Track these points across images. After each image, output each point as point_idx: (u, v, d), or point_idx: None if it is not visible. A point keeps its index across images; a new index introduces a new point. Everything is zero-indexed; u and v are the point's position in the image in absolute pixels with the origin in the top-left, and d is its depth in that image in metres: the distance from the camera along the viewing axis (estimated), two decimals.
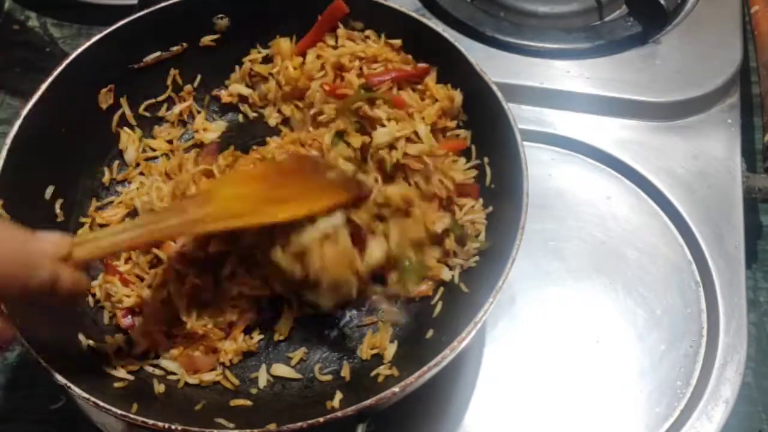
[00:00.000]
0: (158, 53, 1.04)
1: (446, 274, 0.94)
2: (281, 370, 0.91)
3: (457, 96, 0.98)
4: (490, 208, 0.95)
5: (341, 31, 1.04)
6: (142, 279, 0.94)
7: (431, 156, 0.94)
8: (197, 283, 0.91)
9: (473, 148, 1.00)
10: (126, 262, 0.95)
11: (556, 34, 1.20)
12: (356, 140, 0.95)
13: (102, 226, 0.98)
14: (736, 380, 0.94)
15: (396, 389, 0.76)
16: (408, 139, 0.95)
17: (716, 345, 0.96)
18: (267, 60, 1.09)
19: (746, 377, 0.97)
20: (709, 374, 0.95)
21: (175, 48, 1.05)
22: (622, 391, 0.96)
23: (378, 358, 0.92)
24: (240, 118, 1.11)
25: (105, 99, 1.01)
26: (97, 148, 1.02)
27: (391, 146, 0.94)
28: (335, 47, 1.05)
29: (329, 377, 0.91)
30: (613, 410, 0.95)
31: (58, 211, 0.95)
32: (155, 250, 0.94)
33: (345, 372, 0.91)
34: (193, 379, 0.89)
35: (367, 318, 0.95)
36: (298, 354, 0.93)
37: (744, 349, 0.96)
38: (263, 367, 0.92)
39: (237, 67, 1.10)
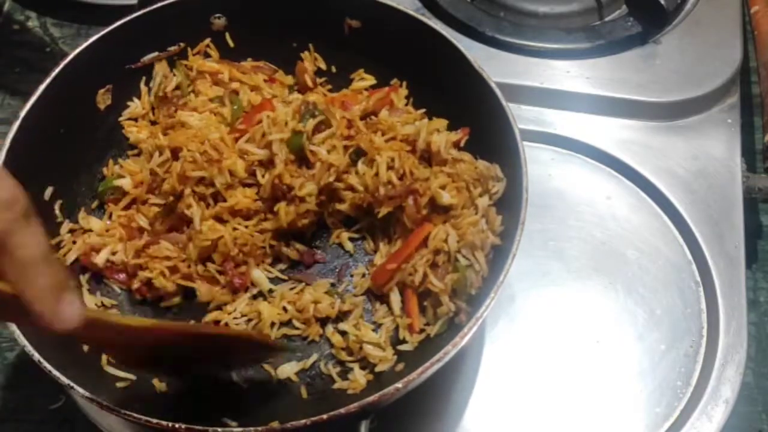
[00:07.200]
0: (156, 53, 1.04)
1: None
2: (286, 370, 0.91)
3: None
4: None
5: None
6: None
7: None
8: None
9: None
10: None
11: (556, 34, 1.20)
12: None
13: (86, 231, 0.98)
14: (736, 380, 0.94)
15: (399, 385, 0.76)
16: None
17: (716, 345, 0.96)
18: None
19: (746, 377, 0.97)
20: (709, 374, 0.95)
21: (172, 48, 1.05)
22: (622, 391, 0.96)
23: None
24: None
25: (103, 99, 1.01)
26: (96, 149, 1.02)
27: None
28: None
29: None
30: (613, 410, 0.95)
31: (57, 212, 0.95)
32: None
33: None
34: None
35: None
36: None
37: (744, 349, 0.96)
38: (268, 366, 0.92)
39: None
